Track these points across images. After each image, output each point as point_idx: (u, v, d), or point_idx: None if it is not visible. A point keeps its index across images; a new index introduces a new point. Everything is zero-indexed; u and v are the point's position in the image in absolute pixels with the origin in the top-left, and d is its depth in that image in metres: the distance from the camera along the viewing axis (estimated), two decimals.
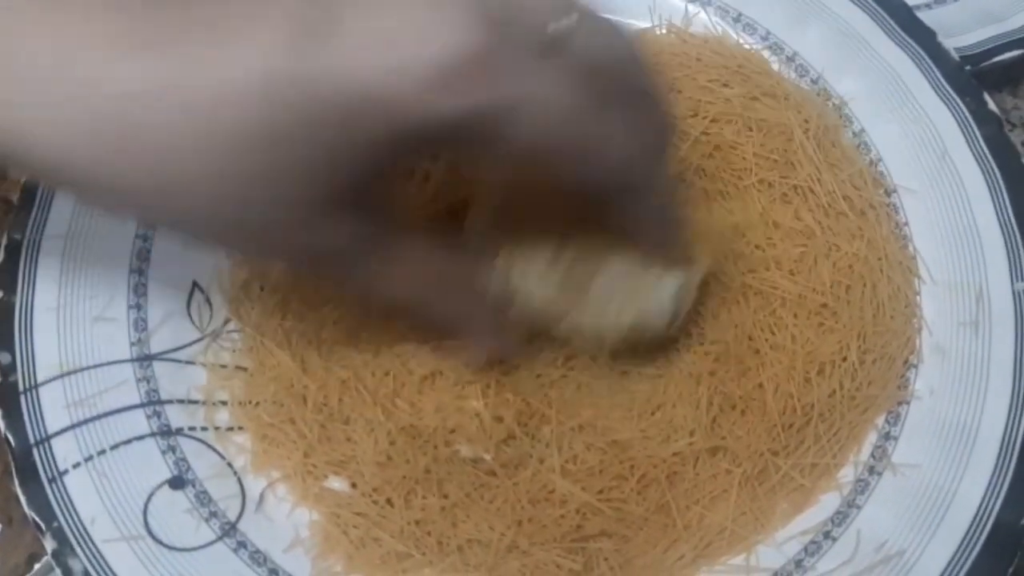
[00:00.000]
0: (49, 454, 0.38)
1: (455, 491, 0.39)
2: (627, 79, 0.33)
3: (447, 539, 0.39)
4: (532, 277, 0.38)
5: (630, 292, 0.38)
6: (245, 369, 0.42)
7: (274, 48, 0.27)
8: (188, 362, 0.42)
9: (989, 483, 0.39)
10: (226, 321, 0.43)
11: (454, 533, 0.39)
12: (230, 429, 0.41)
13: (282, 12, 0.27)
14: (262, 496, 0.40)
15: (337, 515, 0.39)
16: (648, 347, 0.41)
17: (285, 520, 0.39)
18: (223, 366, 0.42)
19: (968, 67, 0.50)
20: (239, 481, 0.40)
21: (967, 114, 0.46)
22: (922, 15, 0.50)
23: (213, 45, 0.27)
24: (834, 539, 0.39)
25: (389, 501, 0.39)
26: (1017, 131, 0.56)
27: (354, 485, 0.40)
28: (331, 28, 0.27)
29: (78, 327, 0.41)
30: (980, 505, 0.38)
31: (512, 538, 0.39)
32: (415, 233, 0.35)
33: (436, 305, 0.37)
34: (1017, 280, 0.42)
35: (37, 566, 0.41)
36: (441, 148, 0.32)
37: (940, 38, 0.48)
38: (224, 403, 0.41)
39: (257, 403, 0.41)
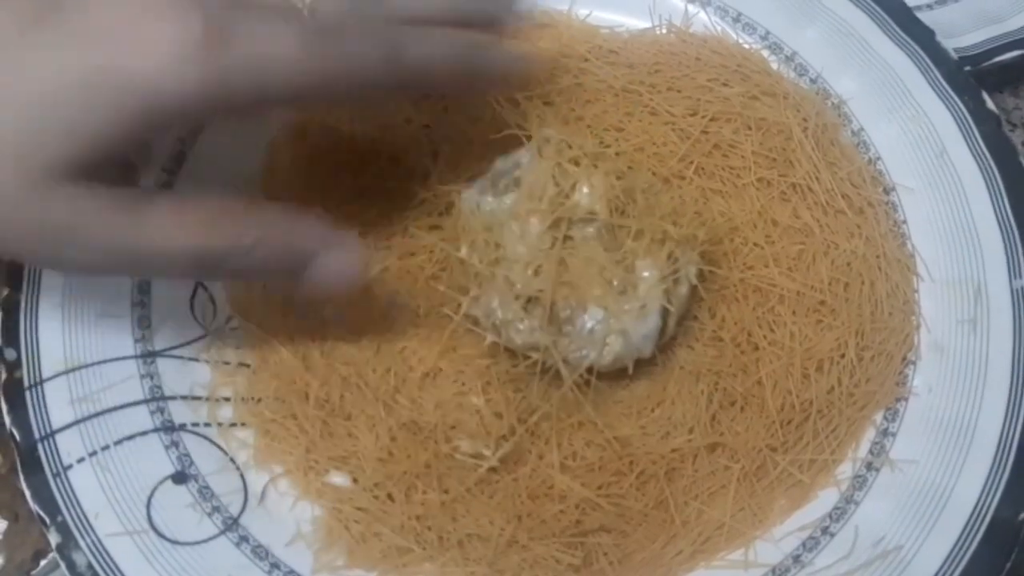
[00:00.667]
0: (54, 449, 0.38)
1: (455, 486, 0.40)
2: None
3: (447, 534, 0.39)
4: (511, 313, 0.39)
5: (612, 329, 0.39)
6: (248, 365, 0.42)
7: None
8: (191, 359, 0.42)
9: (986, 479, 0.39)
10: (229, 318, 0.43)
11: (454, 528, 0.39)
12: (233, 425, 0.41)
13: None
14: (264, 491, 0.40)
15: (339, 510, 0.39)
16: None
17: (287, 515, 0.40)
18: (226, 363, 0.42)
19: (968, 67, 0.50)
20: (241, 476, 0.40)
21: (965, 113, 0.46)
22: (922, 16, 0.50)
23: None
24: (832, 535, 0.39)
25: (390, 496, 0.39)
26: (1018, 131, 0.56)
27: (355, 480, 0.40)
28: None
29: (83, 324, 0.41)
30: (977, 501, 0.38)
31: (512, 533, 0.39)
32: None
33: (239, 240, 0.35)
34: (1015, 278, 0.42)
35: (43, 562, 0.42)
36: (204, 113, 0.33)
37: (938, 37, 0.48)
38: (227, 399, 0.42)
39: (259, 399, 0.41)
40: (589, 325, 0.39)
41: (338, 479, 0.40)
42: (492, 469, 0.40)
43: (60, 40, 0.30)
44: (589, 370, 0.39)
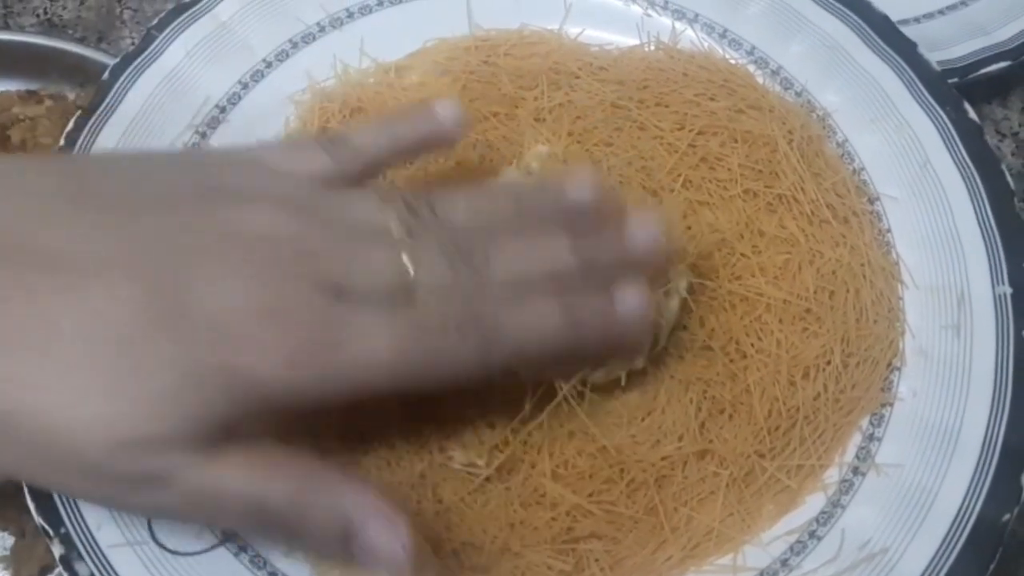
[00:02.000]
0: None
1: (449, 496, 0.40)
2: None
3: (442, 542, 0.40)
4: None
5: None
6: None
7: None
8: None
9: (970, 482, 0.39)
10: None
11: (448, 537, 0.40)
12: None
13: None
14: None
15: None
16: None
17: None
18: None
19: (956, 79, 0.51)
20: None
21: (948, 123, 0.47)
22: (910, 29, 0.51)
23: None
24: (819, 538, 0.40)
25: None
26: (1007, 141, 0.57)
27: None
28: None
29: None
30: (962, 504, 0.39)
31: (504, 540, 0.40)
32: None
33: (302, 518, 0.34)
34: (997, 284, 0.43)
35: None
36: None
37: (920, 49, 0.49)
38: None
39: None
40: None
41: None
42: (485, 478, 0.41)
43: (182, 336, 0.31)
44: (583, 381, 0.40)
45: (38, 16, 0.60)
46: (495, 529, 0.40)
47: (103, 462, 0.31)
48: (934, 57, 0.49)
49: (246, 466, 0.33)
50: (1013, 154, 0.57)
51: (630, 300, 0.37)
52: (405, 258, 0.33)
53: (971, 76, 0.53)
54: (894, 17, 0.51)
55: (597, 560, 0.40)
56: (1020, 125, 0.58)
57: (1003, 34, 0.56)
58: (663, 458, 0.41)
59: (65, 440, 0.30)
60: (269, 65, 0.50)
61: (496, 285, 0.35)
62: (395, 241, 0.34)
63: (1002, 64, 0.54)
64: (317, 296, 0.32)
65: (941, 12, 0.58)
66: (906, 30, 0.50)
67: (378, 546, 0.33)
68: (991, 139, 0.56)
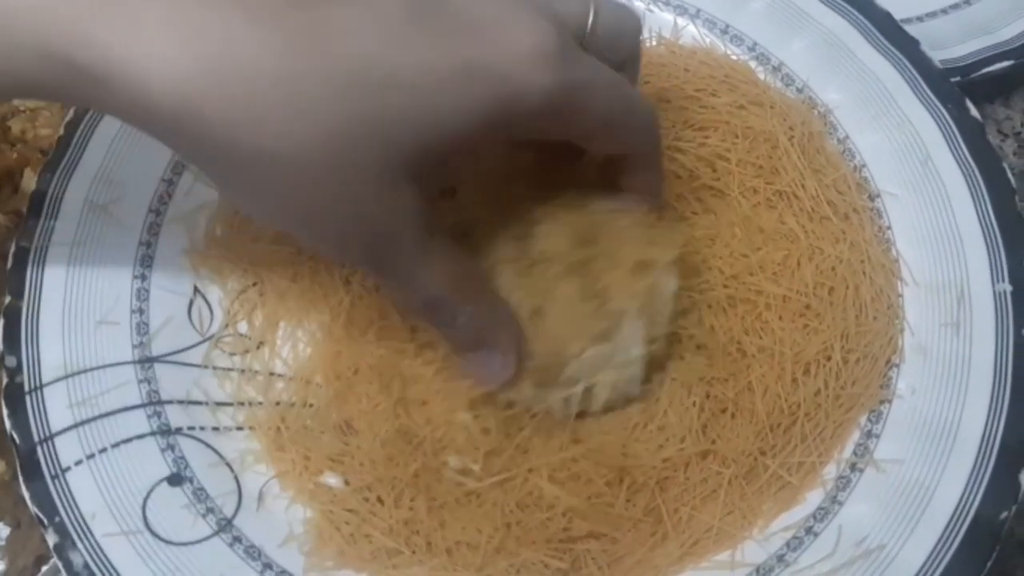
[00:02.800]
0: (52, 452, 0.39)
1: (443, 495, 0.40)
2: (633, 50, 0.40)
3: (436, 540, 0.40)
4: None
5: (600, 372, 0.40)
6: (244, 371, 0.43)
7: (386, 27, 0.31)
8: (188, 364, 0.43)
9: (969, 479, 0.39)
10: (226, 324, 0.44)
11: (442, 535, 0.40)
12: (228, 429, 0.42)
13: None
14: (259, 493, 0.41)
15: (331, 511, 0.40)
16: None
17: (280, 516, 0.40)
18: (227, 369, 0.44)
19: (958, 78, 0.51)
20: (236, 478, 0.41)
21: (949, 120, 0.47)
22: (913, 28, 0.51)
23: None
24: (816, 534, 0.40)
25: (380, 499, 0.40)
26: (1009, 141, 0.57)
27: (347, 482, 0.41)
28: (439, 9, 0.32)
29: (82, 330, 0.42)
30: (960, 501, 0.39)
31: (500, 540, 0.39)
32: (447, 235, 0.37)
33: (462, 307, 0.38)
34: (997, 282, 0.43)
35: (45, 568, 0.42)
36: (535, 120, 0.34)
37: (923, 47, 0.49)
38: (222, 404, 0.43)
39: (256, 404, 0.42)
40: (575, 377, 0.40)
41: (332, 480, 0.41)
42: (480, 481, 0.40)
43: (439, 31, 0.32)
44: (580, 413, 0.41)
45: None
46: (490, 528, 0.39)
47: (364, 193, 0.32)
48: (937, 56, 0.49)
49: (445, 256, 0.36)
50: (1015, 154, 0.57)
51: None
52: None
53: (974, 75, 0.53)
54: (897, 16, 0.51)
55: (594, 558, 0.40)
56: (1022, 125, 0.58)
57: (1006, 33, 0.55)
58: (665, 460, 0.41)
59: None
60: None
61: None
62: None
63: (1005, 63, 0.54)
64: (550, 15, 0.34)
65: (944, 11, 0.58)
66: (909, 29, 0.50)
67: (495, 369, 0.39)
68: (993, 139, 0.55)
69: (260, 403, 0.43)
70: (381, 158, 0.31)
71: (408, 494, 0.40)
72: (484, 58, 0.32)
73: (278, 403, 0.42)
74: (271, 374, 0.43)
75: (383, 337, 0.43)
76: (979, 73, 0.53)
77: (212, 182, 0.35)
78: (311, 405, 0.42)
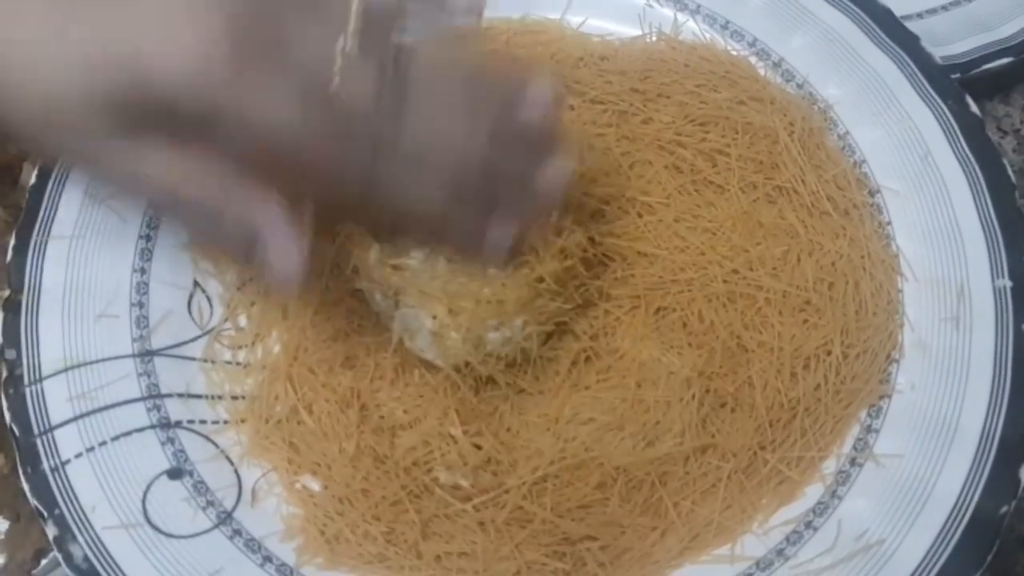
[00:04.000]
0: (52, 444, 0.39)
1: (432, 509, 0.40)
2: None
3: (424, 549, 0.40)
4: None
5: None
6: (243, 365, 0.43)
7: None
8: (188, 358, 0.43)
9: (968, 474, 0.39)
10: (225, 319, 0.44)
11: (427, 547, 0.40)
12: (227, 422, 0.42)
13: None
14: (258, 486, 0.41)
15: (314, 514, 0.40)
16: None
17: (279, 510, 0.40)
18: (226, 362, 0.44)
19: (958, 75, 0.51)
20: (235, 472, 0.41)
21: (949, 116, 0.47)
22: (913, 24, 0.51)
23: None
24: (815, 529, 0.40)
25: (357, 509, 0.40)
26: (1008, 138, 0.57)
27: (326, 487, 0.41)
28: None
29: (82, 324, 0.42)
30: (959, 496, 0.39)
31: (496, 547, 0.39)
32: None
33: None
34: (997, 277, 0.43)
35: (44, 561, 0.42)
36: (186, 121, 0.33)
37: (923, 43, 0.49)
38: (222, 397, 0.43)
39: (254, 398, 0.42)
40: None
41: (313, 484, 0.41)
42: (468, 499, 0.40)
43: (100, 18, 0.32)
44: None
45: None
46: (484, 540, 0.39)
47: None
48: (937, 53, 0.49)
49: (168, 161, 0.34)
50: (1015, 151, 0.57)
51: (501, 231, 0.38)
52: (343, 44, 0.32)
53: (973, 72, 0.53)
54: (898, 12, 0.51)
55: (595, 556, 0.39)
56: (1022, 122, 0.58)
57: (1006, 30, 0.55)
58: (661, 457, 0.41)
59: None
60: None
61: (409, 136, 0.34)
62: (346, 29, 0.33)
63: (1005, 60, 0.54)
64: (248, 19, 0.32)
65: (944, 8, 0.58)
66: (909, 25, 0.50)
67: (275, 261, 0.36)
68: (992, 136, 0.55)
69: (243, 398, 0.43)
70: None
71: (385, 509, 0.40)
72: (136, 51, 0.32)
73: (276, 397, 0.42)
74: (263, 368, 0.43)
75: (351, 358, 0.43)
76: (979, 70, 0.53)
77: None
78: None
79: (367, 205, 0.36)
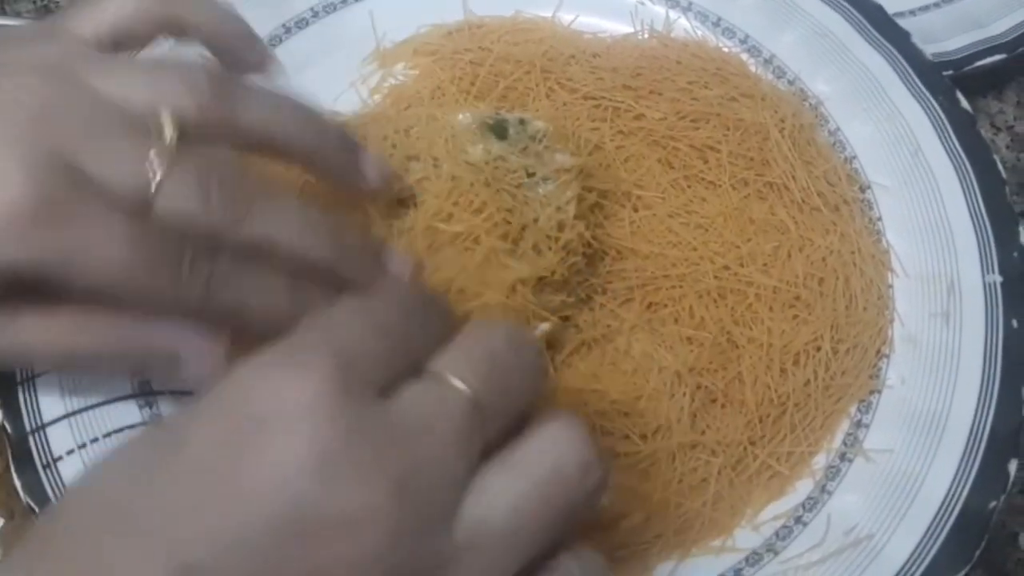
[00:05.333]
0: (44, 441, 0.39)
1: None
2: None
3: None
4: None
5: None
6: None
7: None
8: None
9: (958, 469, 0.39)
10: None
11: None
12: None
13: None
14: None
15: None
16: None
17: None
18: None
19: (951, 72, 0.51)
20: None
21: (940, 112, 0.47)
22: (905, 21, 0.51)
23: None
24: (804, 524, 0.40)
25: None
26: (1002, 135, 0.57)
27: None
28: None
29: None
30: (948, 490, 0.39)
31: None
32: None
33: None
34: (988, 272, 0.43)
35: None
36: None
37: (914, 39, 0.49)
38: None
39: None
40: None
41: None
42: None
43: None
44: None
45: (35, 2, 0.60)
46: None
47: None
48: (929, 50, 0.50)
49: (45, 327, 0.33)
50: (1008, 147, 0.57)
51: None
52: (154, 160, 0.31)
53: (966, 69, 0.53)
54: (891, 10, 0.51)
55: None
56: (1015, 119, 0.58)
57: (999, 27, 0.55)
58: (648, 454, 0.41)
59: None
60: None
61: (244, 238, 0.33)
62: (158, 140, 0.32)
63: (997, 57, 0.54)
64: (44, 168, 0.30)
65: (937, 5, 0.58)
66: (902, 23, 0.50)
67: (200, 369, 0.34)
68: (986, 133, 0.55)
69: None
70: None
71: None
72: None
73: None
74: None
75: None
76: (971, 67, 0.53)
77: None
78: None
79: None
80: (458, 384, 0.27)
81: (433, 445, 0.25)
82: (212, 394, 0.26)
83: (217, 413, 0.26)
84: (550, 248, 0.41)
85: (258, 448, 0.24)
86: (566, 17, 0.52)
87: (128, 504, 0.25)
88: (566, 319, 0.43)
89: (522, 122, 0.43)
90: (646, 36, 0.52)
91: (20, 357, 0.34)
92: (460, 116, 0.43)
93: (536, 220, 0.41)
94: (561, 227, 0.41)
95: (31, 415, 0.40)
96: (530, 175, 0.42)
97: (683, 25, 0.52)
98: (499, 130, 0.43)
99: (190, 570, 0.23)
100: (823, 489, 0.41)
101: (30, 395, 0.40)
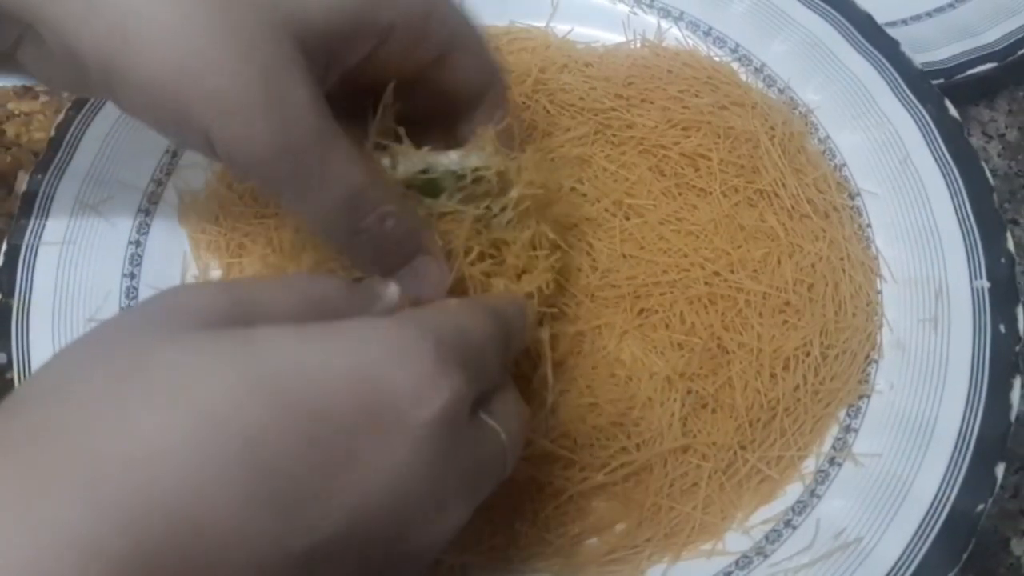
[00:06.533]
0: None
1: None
2: None
3: None
4: None
5: None
6: None
7: None
8: None
9: (945, 473, 0.40)
10: None
11: None
12: None
13: None
14: None
15: None
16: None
17: None
18: None
19: (943, 80, 0.52)
20: None
21: (928, 120, 0.47)
22: (897, 31, 0.52)
23: None
24: (794, 527, 0.40)
25: None
26: (994, 143, 0.57)
27: None
28: None
29: (72, 328, 0.43)
30: (936, 494, 0.39)
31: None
32: None
33: (387, 204, 0.34)
34: (975, 278, 0.43)
35: None
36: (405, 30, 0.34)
37: (903, 48, 0.49)
38: None
39: None
40: None
41: None
42: None
43: None
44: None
45: None
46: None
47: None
48: (921, 59, 0.50)
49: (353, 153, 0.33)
50: (999, 155, 0.57)
51: None
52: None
53: (958, 77, 0.54)
54: (882, 19, 0.51)
55: None
56: (1006, 127, 0.58)
57: (990, 36, 0.56)
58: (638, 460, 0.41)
59: None
60: None
61: None
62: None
63: (989, 66, 0.54)
64: None
65: (929, 14, 0.59)
66: (894, 32, 0.51)
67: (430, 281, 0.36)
68: (977, 141, 0.56)
69: None
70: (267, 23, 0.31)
71: None
72: None
73: None
74: None
75: None
76: (963, 75, 0.54)
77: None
78: None
79: None
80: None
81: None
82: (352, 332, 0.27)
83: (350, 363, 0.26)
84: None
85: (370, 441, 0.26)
86: (560, 27, 0.53)
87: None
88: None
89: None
90: (638, 45, 0.52)
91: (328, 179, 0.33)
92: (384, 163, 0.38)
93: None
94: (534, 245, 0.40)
95: None
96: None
97: (675, 34, 0.52)
98: (428, 189, 0.38)
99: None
100: (812, 493, 0.41)
101: None
